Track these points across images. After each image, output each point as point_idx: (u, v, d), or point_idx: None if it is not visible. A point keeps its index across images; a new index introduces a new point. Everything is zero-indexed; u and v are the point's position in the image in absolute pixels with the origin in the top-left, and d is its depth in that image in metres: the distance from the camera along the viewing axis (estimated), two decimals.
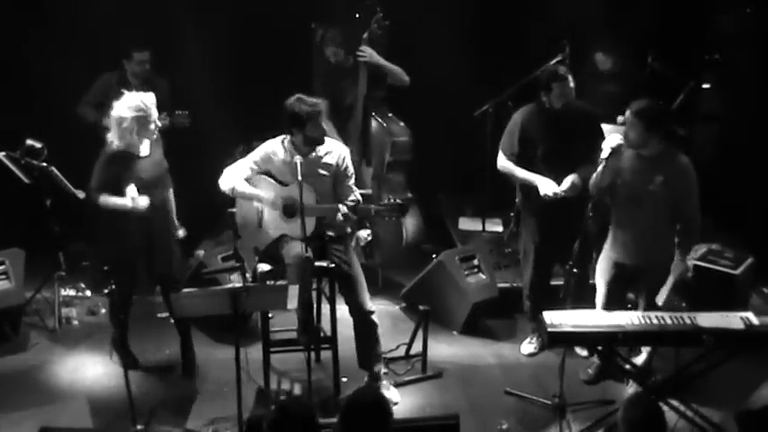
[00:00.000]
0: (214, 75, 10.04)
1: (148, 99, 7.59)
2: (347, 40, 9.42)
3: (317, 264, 7.33)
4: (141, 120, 7.50)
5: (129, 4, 9.85)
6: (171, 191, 7.96)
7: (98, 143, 8.86)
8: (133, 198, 7.49)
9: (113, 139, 7.60)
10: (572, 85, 8.03)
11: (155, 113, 7.60)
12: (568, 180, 8.00)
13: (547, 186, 8.07)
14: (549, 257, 8.44)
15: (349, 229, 7.56)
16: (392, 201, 7.40)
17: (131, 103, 7.51)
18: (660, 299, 7.53)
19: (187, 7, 10.05)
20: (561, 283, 8.42)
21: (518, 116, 8.31)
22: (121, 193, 7.53)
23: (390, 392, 7.76)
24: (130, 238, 7.73)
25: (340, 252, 7.62)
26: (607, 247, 7.77)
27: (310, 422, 5.25)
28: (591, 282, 8.09)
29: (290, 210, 7.45)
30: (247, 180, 7.61)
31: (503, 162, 8.36)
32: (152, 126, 7.59)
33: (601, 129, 8.14)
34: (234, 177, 7.60)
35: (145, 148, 7.70)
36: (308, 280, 7.39)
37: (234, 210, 7.75)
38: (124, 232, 7.71)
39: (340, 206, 7.40)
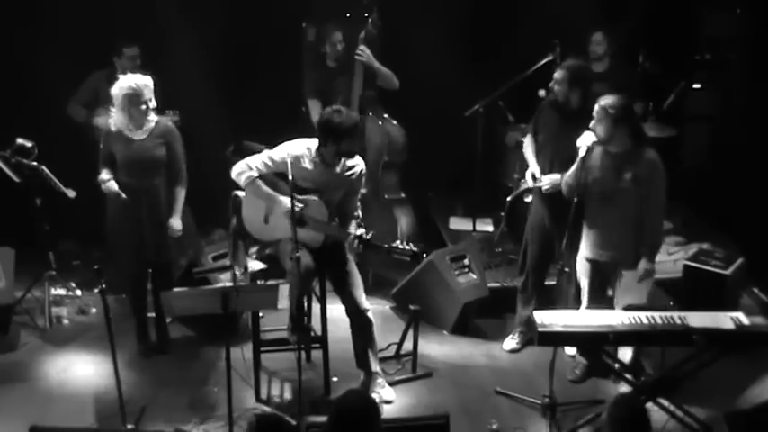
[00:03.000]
0: (204, 74, 10.03)
1: (141, 79, 7.77)
2: (345, 38, 9.42)
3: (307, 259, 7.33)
4: (132, 98, 7.70)
5: (118, 2, 9.83)
6: (181, 189, 8.05)
7: (88, 142, 8.90)
8: (102, 180, 7.82)
9: (111, 120, 7.84)
10: (557, 76, 8.02)
11: (148, 94, 7.75)
12: (550, 176, 8.01)
13: (529, 173, 8.16)
14: (538, 247, 8.41)
15: (360, 249, 7.54)
16: (408, 247, 7.38)
17: (123, 82, 7.76)
18: (630, 300, 7.55)
19: (177, 5, 10.03)
20: (554, 282, 8.49)
21: (543, 101, 8.39)
22: (118, 171, 7.88)
23: (385, 391, 7.76)
24: (133, 219, 7.94)
25: (337, 250, 7.64)
26: (582, 244, 7.77)
27: None
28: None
29: (300, 219, 7.39)
30: (261, 177, 7.55)
31: (525, 140, 8.45)
32: (143, 106, 7.75)
33: None
34: (252, 171, 7.51)
35: (140, 133, 7.85)
36: (306, 280, 7.37)
37: (239, 193, 7.69)
38: (120, 215, 7.93)
39: (351, 236, 7.41)
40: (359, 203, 7.80)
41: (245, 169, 7.54)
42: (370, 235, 7.48)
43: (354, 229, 7.52)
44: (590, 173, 7.51)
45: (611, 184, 7.44)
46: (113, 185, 7.82)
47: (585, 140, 7.41)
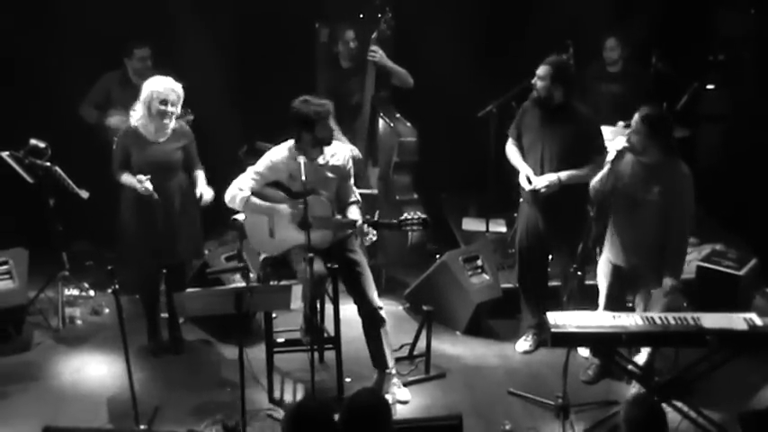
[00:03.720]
0: (217, 73, 10.04)
1: (170, 83, 7.82)
2: (358, 37, 9.41)
3: (319, 265, 7.31)
4: (156, 95, 7.75)
5: (131, 2, 9.84)
6: (200, 170, 8.14)
7: (101, 143, 8.92)
8: (140, 180, 7.74)
9: (132, 116, 7.93)
10: (540, 72, 8.01)
11: (171, 97, 7.79)
12: (546, 177, 7.96)
13: (523, 177, 8.10)
14: (534, 252, 8.39)
15: (373, 233, 7.54)
16: (416, 215, 7.38)
17: (152, 80, 7.84)
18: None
19: (190, 5, 10.04)
20: (558, 283, 8.46)
21: (524, 103, 8.34)
22: (133, 172, 7.86)
23: (401, 391, 7.75)
24: (149, 221, 7.98)
25: (347, 248, 7.63)
26: (606, 248, 7.76)
27: (329, 422, 5.26)
28: (588, 283, 8.09)
29: (304, 222, 7.34)
30: (254, 192, 7.54)
31: (507, 146, 8.39)
32: (162, 107, 7.77)
33: (595, 134, 8.11)
34: (243, 191, 7.51)
35: (160, 135, 7.91)
36: (318, 286, 7.36)
37: (238, 217, 7.70)
38: (144, 215, 7.97)
39: (358, 222, 7.41)
40: (355, 188, 7.78)
41: (236, 192, 7.53)
42: (377, 215, 7.49)
43: (358, 215, 7.54)
44: (619, 178, 7.47)
45: (638, 194, 7.41)
46: (150, 185, 7.77)
47: (616, 145, 7.38)
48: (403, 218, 7.40)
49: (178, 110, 7.88)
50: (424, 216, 7.36)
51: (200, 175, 8.12)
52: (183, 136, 8.01)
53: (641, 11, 10.58)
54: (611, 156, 7.39)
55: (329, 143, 7.51)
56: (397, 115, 9.54)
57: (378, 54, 9.22)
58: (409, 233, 9.37)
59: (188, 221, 8.14)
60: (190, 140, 8.07)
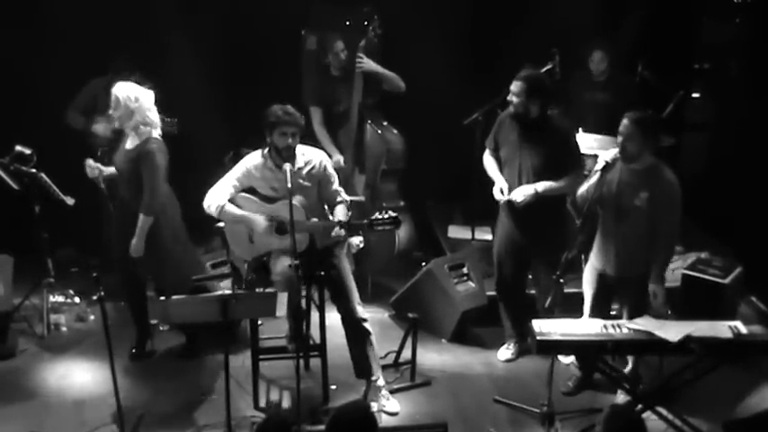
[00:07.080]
0: (202, 81, 10.03)
1: (132, 89, 7.82)
2: (347, 46, 9.40)
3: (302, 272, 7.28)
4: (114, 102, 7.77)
5: (117, 9, 9.82)
6: (140, 215, 7.84)
7: (87, 149, 8.89)
8: (89, 165, 8.06)
9: None
10: (514, 88, 7.96)
11: (111, 103, 7.80)
12: (522, 189, 7.93)
13: (497, 189, 8.09)
14: (512, 262, 8.38)
15: (342, 233, 7.50)
16: (386, 215, 7.35)
17: (121, 85, 7.86)
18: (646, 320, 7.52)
19: (175, 13, 10.03)
20: (534, 292, 8.44)
21: (501, 114, 8.32)
22: None
23: (390, 403, 7.74)
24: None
25: (331, 258, 7.62)
26: (592, 256, 7.76)
27: None
28: (569, 291, 8.08)
29: (282, 227, 7.40)
30: (231, 200, 7.52)
31: (485, 156, 8.38)
32: (117, 112, 7.77)
33: (572, 148, 8.11)
34: (219, 199, 7.48)
35: (128, 141, 7.89)
36: (297, 288, 7.34)
37: (221, 224, 7.70)
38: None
39: (333, 224, 7.37)
40: (340, 189, 7.74)
41: (212, 200, 7.51)
42: (348, 216, 7.48)
43: (343, 215, 7.52)
44: (607, 186, 7.45)
45: (626, 201, 7.39)
46: (92, 170, 8.04)
47: (606, 155, 7.36)
48: (374, 217, 7.34)
49: (113, 113, 7.80)
50: (394, 214, 7.32)
51: (138, 222, 7.82)
52: (139, 154, 7.78)
53: (627, 19, 10.61)
54: (599, 165, 7.37)
55: (286, 156, 7.36)
56: (385, 123, 9.55)
57: (365, 62, 9.21)
58: (396, 240, 9.40)
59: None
60: (143, 162, 7.75)
